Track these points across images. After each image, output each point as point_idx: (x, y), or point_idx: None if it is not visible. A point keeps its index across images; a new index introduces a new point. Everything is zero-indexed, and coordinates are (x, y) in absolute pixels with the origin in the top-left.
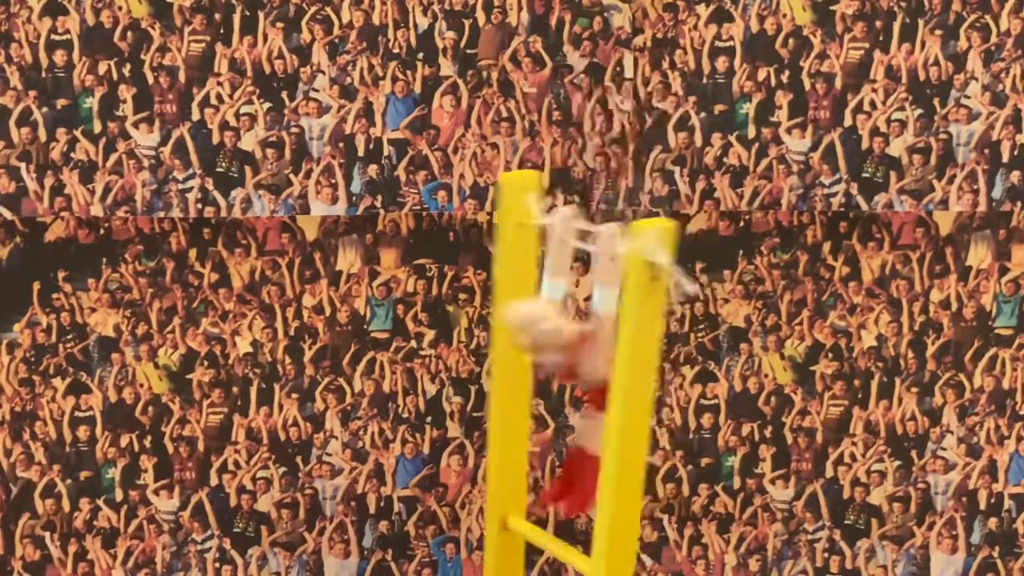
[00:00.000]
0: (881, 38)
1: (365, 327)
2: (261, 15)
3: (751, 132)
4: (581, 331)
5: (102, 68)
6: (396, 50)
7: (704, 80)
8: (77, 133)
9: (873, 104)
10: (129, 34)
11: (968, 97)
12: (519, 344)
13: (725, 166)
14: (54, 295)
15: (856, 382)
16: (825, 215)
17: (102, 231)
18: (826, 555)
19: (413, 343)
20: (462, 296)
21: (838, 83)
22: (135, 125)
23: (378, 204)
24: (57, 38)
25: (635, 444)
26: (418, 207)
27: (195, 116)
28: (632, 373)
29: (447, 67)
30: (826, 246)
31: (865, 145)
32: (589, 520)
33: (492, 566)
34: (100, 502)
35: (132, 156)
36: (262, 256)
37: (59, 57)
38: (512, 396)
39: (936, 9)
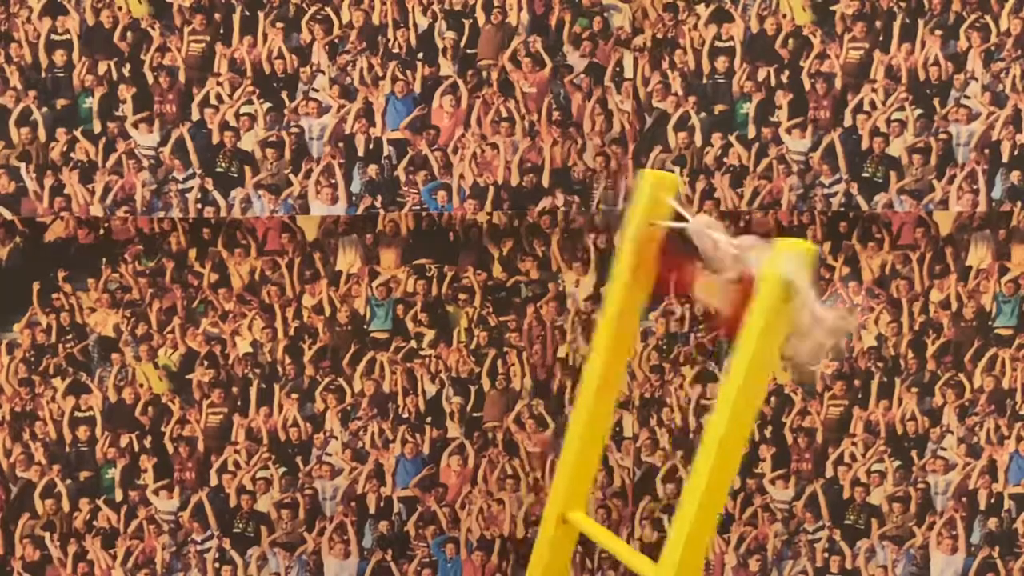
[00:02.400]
0: (881, 38)
1: (365, 327)
2: (261, 15)
3: (751, 132)
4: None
5: (102, 68)
6: (396, 50)
7: (704, 80)
8: (77, 133)
9: (873, 104)
10: (129, 34)
11: (968, 97)
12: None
13: (725, 166)
14: (54, 295)
15: (856, 382)
16: (825, 215)
17: (102, 231)
18: (826, 555)
19: (413, 343)
20: (462, 296)
21: (838, 83)
22: (135, 125)
23: (378, 204)
24: (57, 38)
25: (730, 458)
26: (418, 207)
27: (195, 116)
28: (744, 386)
29: (447, 67)
30: (826, 246)
31: (865, 145)
32: (590, 515)
33: (543, 558)
34: (100, 502)
35: (132, 156)
36: (262, 256)
37: (59, 57)
38: (606, 387)
39: (936, 9)
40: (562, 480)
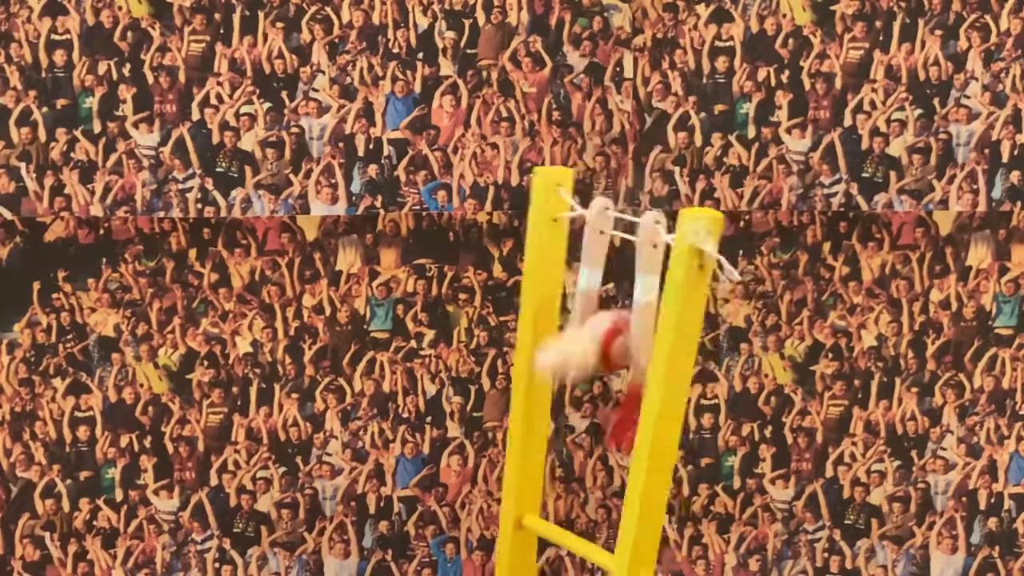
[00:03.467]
0: (881, 38)
1: (365, 327)
2: (261, 15)
3: (751, 132)
4: (614, 325)
5: (102, 68)
6: (396, 50)
7: (704, 80)
8: (77, 133)
9: (873, 104)
10: (129, 34)
11: (968, 97)
12: (562, 381)
13: (725, 166)
14: (54, 295)
15: (856, 382)
16: (825, 215)
17: (102, 231)
18: (826, 555)
19: (413, 343)
20: (462, 296)
21: (838, 83)
22: (135, 125)
23: (378, 204)
24: (57, 38)
25: (669, 435)
26: (418, 207)
27: (195, 116)
28: (673, 359)
29: (447, 67)
30: (826, 246)
31: (865, 145)
32: (590, 520)
33: (505, 565)
34: (100, 502)
35: (132, 156)
36: (262, 256)
37: (59, 57)
38: (533, 394)
39: (936, 9)
40: (511, 487)
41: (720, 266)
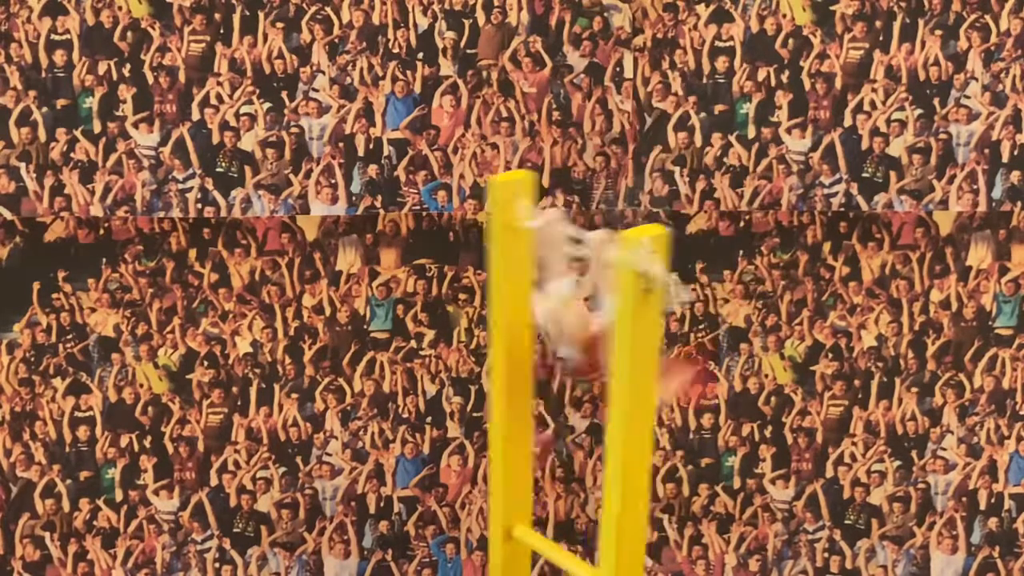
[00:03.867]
0: (881, 38)
1: (365, 327)
2: (261, 15)
3: (751, 132)
4: (601, 325)
5: (102, 68)
6: (396, 50)
7: (704, 80)
8: (77, 133)
9: (873, 104)
10: (129, 34)
11: (968, 97)
12: (544, 335)
13: (725, 166)
14: (54, 295)
15: (856, 382)
16: (825, 215)
17: (102, 231)
18: (826, 555)
19: (413, 343)
20: (462, 296)
21: (838, 83)
22: (135, 125)
23: (378, 204)
24: (57, 38)
25: (638, 456)
26: (418, 207)
27: (195, 116)
28: (631, 384)
29: (447, 67)
30: (826, 246)
31: (865, 145)
32: (590, 520)
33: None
34: (100, 502)
35: (132, 156)
36: (262, 256)
37: (59, 57)
38: (513, 402)
39: (936, 9)
40: (497, 497)
41: (671, 288)
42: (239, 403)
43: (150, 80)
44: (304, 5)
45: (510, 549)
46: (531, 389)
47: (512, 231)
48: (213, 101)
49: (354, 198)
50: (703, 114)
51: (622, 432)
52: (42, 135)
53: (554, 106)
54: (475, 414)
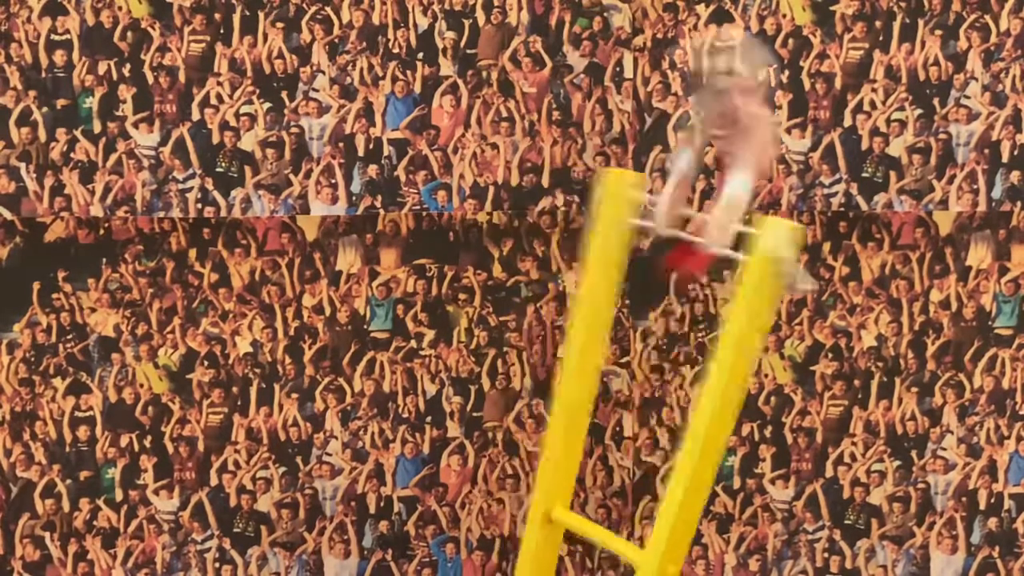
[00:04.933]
0: (881, 38)
1: (365, 327)
2: (261, 15)
3: None
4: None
5: (102, 68)
6: (396, 50)
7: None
8: (77, 133)
9: (873, 104)
10: (129, 34)
11: (968, 97)
12: (706, 70)
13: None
14: (54, 295)
15: (856, 382)
16: (825, 215)
17: (102, 231)
18: (826, 555)
19: (413, 343)
20: (462, 296)
21: (838, 83)
22: (135, 125)
23: (378, 204)
24: (57, 38)
25: (717, 439)
26: (418, 207)
27: (195, 116)
28: (733, 363)
29: (447, 67)
30: (826, 246)
31: (865, 145)
32: (591, 516)
33: (529, 556)
34: (100, 502)
35: (132, 156)
36: (262, 256)
37: (59, 57)
38: (580, 385)
39: (936, 9)
40: (545, 479)
41: (797, 277)
42: (239, 403)
43: (150, 80)
44: (304, 5)
45: (548, 531)
46: (599, 375)
47: (617, 225)
48: (213, 101)
49: (354, 198)
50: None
51: (710, 407)
52: (42, 135)
53: (554, 106)
54: (475, 414)
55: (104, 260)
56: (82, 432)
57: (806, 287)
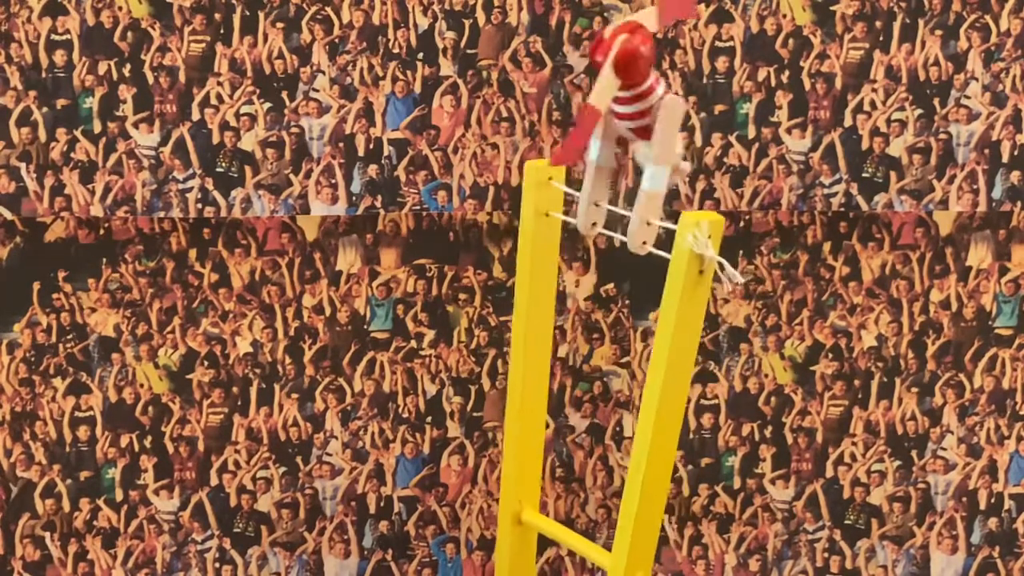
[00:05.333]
0: (881, 38)
1: (365, 327)
2: (261, 15)
3: (751, 132)
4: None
5: (102, 68)
6: (396, 50)
7: (704, 80)
8: (77, 133)
9: (873, 104)
10: (129, 34)
11: (968, 97)
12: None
13: (725, 166)
14: (54, 295)
15: (856, 382)
16: (825, 215)
17: (102, 231)
18: (826, 555)
19: (413, 343)
20: (462, 296)
21: (838, 83)
22: (135, 125)
23: (378, 204)
24: (57, 38)
25: (666, 440)
26: (418, 207)
27: (195, 116)
28: (672, 362)
29: (447, 67)
30: (826, 246)
31: (865, 145)
32: (590, 520)
33: (505, 560)
34: (100, 502)
35: (132, 156)
36: (262, 256)
37: (59, 57)
38: (530, 388)
39: (936, 9)
40: (508, 482)
41: (722, 268)
42: (239, 403)
43: (150, 80)
44: (304, 5)
45: (519, 534)
46: (547, 374)
47: (543, 218)
48: (213, 101)
49: (354, 198)
50: (703, 114)
51: (655, 412)
52: (42, 135)
53: (554, 106)
54: (475, 414)
55: (104, 260)
56: (82, 432)
57: (736, 281)
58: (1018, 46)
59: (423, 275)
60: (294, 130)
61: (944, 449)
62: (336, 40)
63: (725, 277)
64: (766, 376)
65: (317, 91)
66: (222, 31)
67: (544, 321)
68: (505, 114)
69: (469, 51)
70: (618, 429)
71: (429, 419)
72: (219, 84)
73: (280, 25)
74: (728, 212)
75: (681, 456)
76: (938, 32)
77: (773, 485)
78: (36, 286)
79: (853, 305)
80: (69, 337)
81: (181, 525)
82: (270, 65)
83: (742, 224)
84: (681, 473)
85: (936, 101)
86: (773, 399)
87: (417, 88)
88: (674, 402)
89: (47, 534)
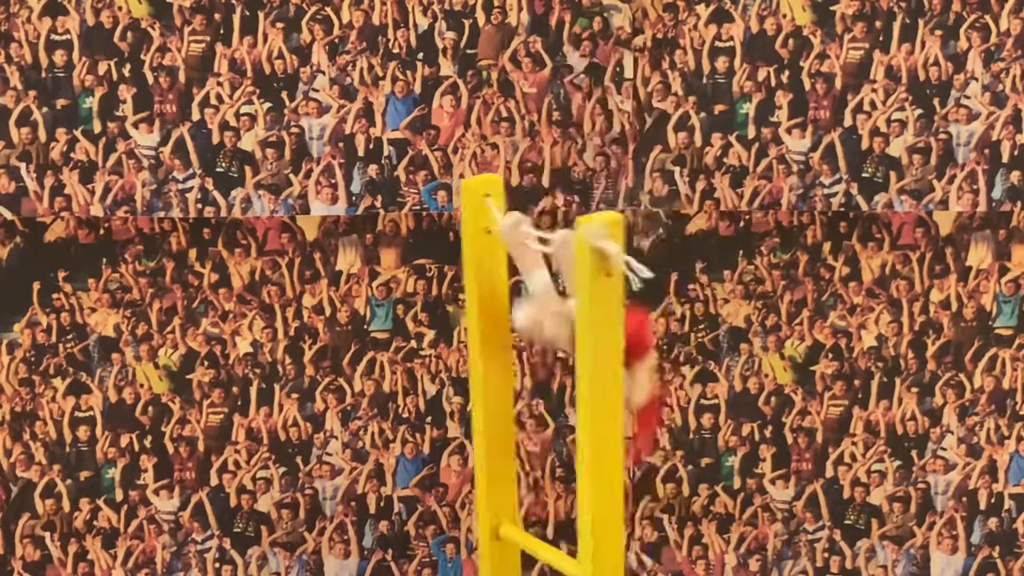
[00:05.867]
0: (881, 38)
1: (365, 327)
2: (261, 15)
3: (751, 132)
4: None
5: (102, 68)
6: (396, 50)
7: (704, 80)
8: (77, 133)
9: (873, 104)
10: (129, 34)
11: (968, 97)
12: (537, 342)
13: (725, 166)
14: (54, 295)
15: (856, 382)
16: (825, 215)
17: (102, 231)
18: (826, 555)
19: (413, 343)
20: (462, 296)
21: (838, 83)
22: (135, 125)
23: (378, 204)
24: (57, 38)
25: (608, 441)
26: (418, 207)
27: (195, 116)
28: (596, 366)
29: (447, 67)
30: (826, 246)
31: (865, 145)
32: None
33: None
34: (100, 502)
35: (132, 156)
36: (262, 256)
37: (59, 57)
38: (494, 401)
39: (936, 9)
40: (481, 498)
41: (629, 267)
42: (239, 403)
43: (150, 80)
44: (304, 5)
45: (499, 548)
46: (511, 387)
47: (483, 233)
48: (213, 101)
49: (354, 198)
50: (703, 114)
51: (589, 418)
52: (42, 135)
53: (554, 106)
54: None
55: (104, 260)
56: (82, 432)
57: (644, 275)
58: (1018, 46)
59: (423, 275)
60: (294, 130)
61: (944, 449)
62: (336, 40)
63: (633, 275)
64: (766, 376)
65: (317, 91)
66: (222, 31)
67: (501, 335)
68: (505, 114)
69: (469, 51)
70: None
71: (429, 419)
72: (219, 84)
73: (280, 25)
74: (728, 212)
75: (681, 456)
76: (938, 32)
77: (773, 485)
78: (36, 286)
79: (853, 305)
80: (69, 337)
81: (181, 525)
82: (270, 65)
83: (742, 224)
84: (681, 473)
85: (936, 101)
86: (773, 399)
87: (417, 88)
88: (607, 406)
89: (47, 534)
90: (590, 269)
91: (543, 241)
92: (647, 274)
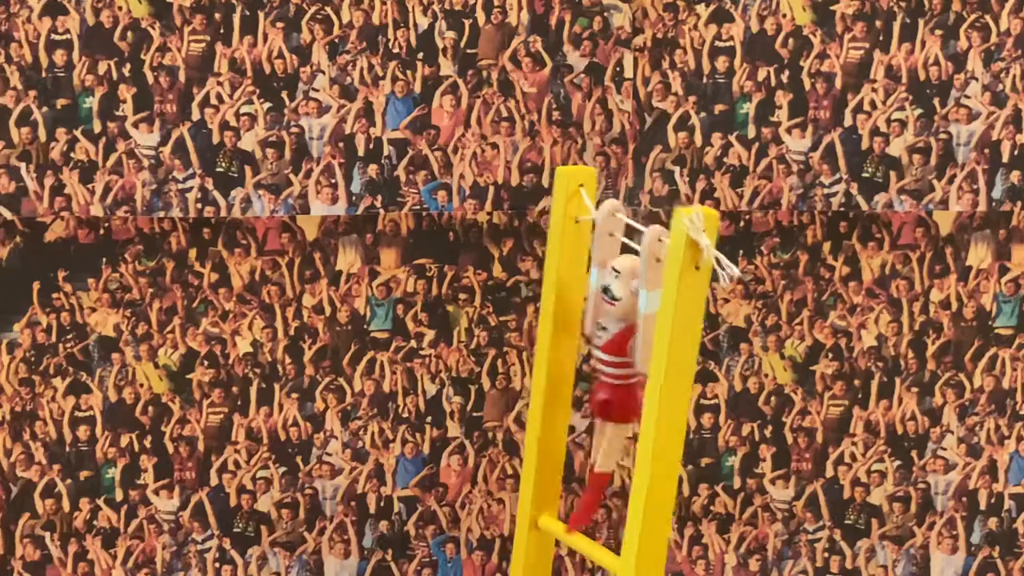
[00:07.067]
0: (881, 38)
1: (365, 327)
2: (261, 15)
3: (751, 132)
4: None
5: (102, 68)
6: (396, 50)
7: (704, 80)
8: (77, 133)
9: (873, 104)
10: (129, 34)
11: (968, 97)
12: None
13: (725, 166)
14: (54, 295)
15: (856, 382)
16: (825, 215)
17: (102, 231)
18: (826, 555)
19: (413, 343)
20: (462, 296)
21: (838, 83)
22: (135, 125)
23: (378, 204)
24: (57, 38)
25: (672, 438)
26: (418, 207)
27: (195, 116)
28: (672, 362)
29: (447, 67)
30: (826, 246)
31: (865, 145)
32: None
33: (520, 565)
34: (100, 502)
35: (132, 156)
36: (262, 256)
37: (59, 57)
38: (554, 393)
39: (936, 9)
40: (527, 486)
41: (719, 263)
42: (239, 403)
43: (150, 80)
44: (304, 5)
45: (535, 539)
46: (571, 381)
47: (572, 224)
48: (213, 101)
49: (354, 198)
50: (703, 114)
51: (658, 410)
52: (42, 135)
53: (554, 106)
54: (475, 414)
55: (104, 260)
56: (82, 432)
57: (733, 275)
58: (1018, 46)
59: (423, 275)
60: (294, 130)
61: (944, 449)
62: (336, 40)
63: (723, 272)
64: (766, 376)
65: (317, 91)
66: (222, 31)
67: (570, 325)
68: (505, 114)
69: (469, 51)
70: None
71: (429, 419)
72: (219, 84)
73: (280, 25)
74: (728, 212)
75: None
76: (938, 32)
77: (773, 485)
78: (36, 286)
79: (853, 305)
80: (69, 337)
81: (181, 525)
82: (270, 65)
83: (742, 224)
84: (681, 473)
85: (936, 101)
86: (773, 399)
87: (417, 88)
88: (678, 400)
89: (47, 534)
90: (682, 260)
91: (632, 232)
92: (736, 272)
